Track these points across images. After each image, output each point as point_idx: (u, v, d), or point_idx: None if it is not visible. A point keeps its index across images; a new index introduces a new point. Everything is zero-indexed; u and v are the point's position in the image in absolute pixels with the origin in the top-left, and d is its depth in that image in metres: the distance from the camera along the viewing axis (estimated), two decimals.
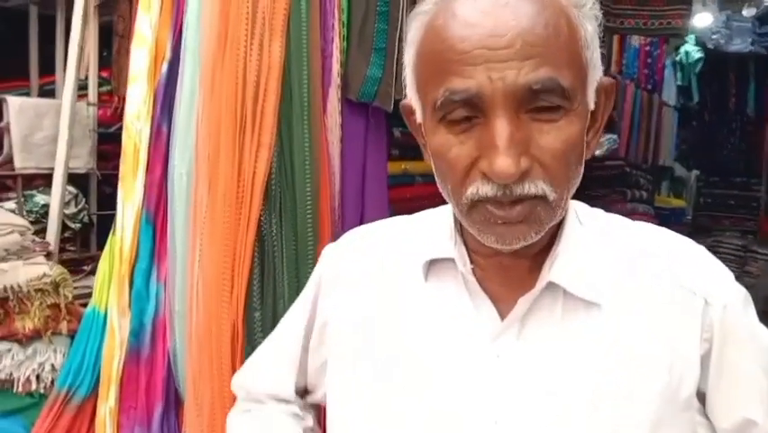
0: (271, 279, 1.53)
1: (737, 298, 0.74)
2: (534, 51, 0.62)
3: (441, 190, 0.71)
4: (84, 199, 2.34)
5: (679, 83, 5.74)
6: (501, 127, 0.62)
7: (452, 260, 0.75)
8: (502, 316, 0.73)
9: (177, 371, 1.60)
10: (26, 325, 1.48)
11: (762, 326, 0.76)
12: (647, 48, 5.42)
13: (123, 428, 1.56)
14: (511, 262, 0.73)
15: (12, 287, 1.44)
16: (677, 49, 5.68)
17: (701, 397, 0.73)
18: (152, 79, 1.70)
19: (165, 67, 1.69)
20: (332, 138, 1.63)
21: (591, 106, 0.69)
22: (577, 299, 0.72)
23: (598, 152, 4.17)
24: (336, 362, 0.82)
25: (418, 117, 0.72)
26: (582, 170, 0.69)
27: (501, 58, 0.61)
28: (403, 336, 0.77)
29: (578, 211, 0.78)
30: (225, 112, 1.48)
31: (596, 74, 0.69)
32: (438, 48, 0.65)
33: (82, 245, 2.39)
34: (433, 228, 0.80)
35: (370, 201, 1.72)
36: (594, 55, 0.68)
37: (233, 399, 0.99)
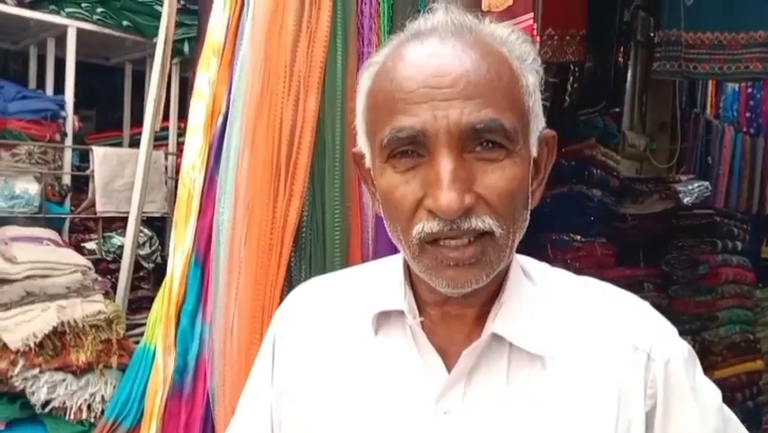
0: None
1: (680, 353, 0.73)
2: (477, 92, 0.64)
3: (391, 236, 0.72)
4: (158, 241, 2.51)
5: None
6: (445, 164, 0.63)
7: (402, 312, 0.75)
8: (450, 369, 0.72)
9: (215, 410, 1.66)
10: (80, 357, 1.60)
11: (707, 382, 0.74)
12: (749, 90, 5.13)
13: None
14: (459, 311, 0.73)
15: (69, 322, 1.58)
16: None
17: None
18: (208, 132, 1.82)
19: (220, 120, 1.81)
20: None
21: (534, 154, 0.70)
22: (522, 352, 0.71)
23: (687, 200, 3.94)
24: (290, 428, 0.81)
25: (367, 162, 0.74)
26: (528, 216, 0.70)
27: (445, 96, 0.63)
28: (353, 396, 0.76)
29: (523, 264, 0.77)
30: (262, 162, 1.56)
31: (538, 123, 0.70)
32: (386, 88, 0.67)
33: (155, 284, 2.55)
34: (383, 279, 0.79)
35: None
36: (536, 105, 0.70)
37: None
